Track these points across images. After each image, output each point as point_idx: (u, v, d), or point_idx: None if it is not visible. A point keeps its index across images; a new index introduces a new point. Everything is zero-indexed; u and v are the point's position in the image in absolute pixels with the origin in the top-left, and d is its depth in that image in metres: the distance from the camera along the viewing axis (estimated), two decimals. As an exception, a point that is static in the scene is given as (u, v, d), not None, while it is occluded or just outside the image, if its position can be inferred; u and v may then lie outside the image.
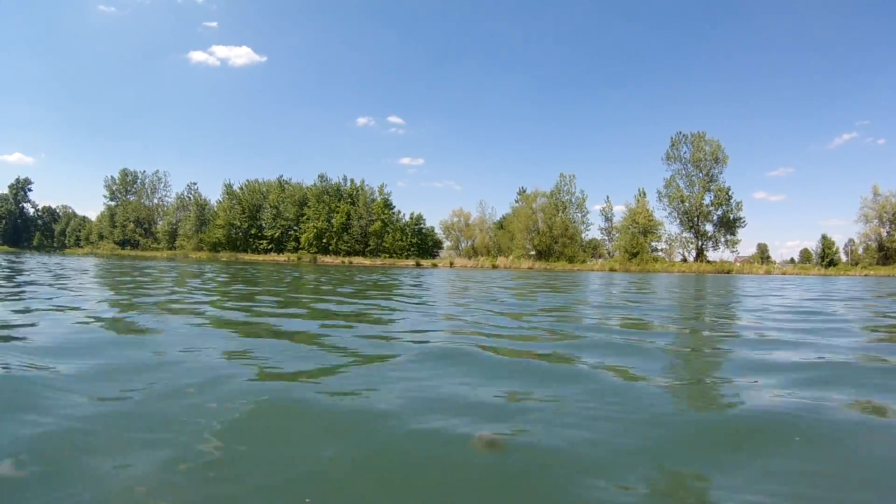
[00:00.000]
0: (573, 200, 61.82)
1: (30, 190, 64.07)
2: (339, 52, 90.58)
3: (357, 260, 54.41)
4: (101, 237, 60.77)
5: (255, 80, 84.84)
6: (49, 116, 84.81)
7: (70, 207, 72.90)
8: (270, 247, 56.58)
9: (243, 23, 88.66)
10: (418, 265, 50.39)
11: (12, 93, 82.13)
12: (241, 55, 79.74)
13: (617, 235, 62.62)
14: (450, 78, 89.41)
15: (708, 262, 56.45)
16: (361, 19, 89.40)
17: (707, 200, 59.58)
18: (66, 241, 66.86)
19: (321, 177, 57.63)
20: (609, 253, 64.23)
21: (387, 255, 56.52)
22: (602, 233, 64.50)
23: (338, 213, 56.73)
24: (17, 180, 62.87)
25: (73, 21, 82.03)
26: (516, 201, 63.23)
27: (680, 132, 56.96)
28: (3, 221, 61.20)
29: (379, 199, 58.39)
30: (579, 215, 61.62)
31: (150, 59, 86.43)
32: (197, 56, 79.50)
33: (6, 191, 60.66)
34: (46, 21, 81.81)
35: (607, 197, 66.88)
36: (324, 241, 56.55)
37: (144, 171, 62.36)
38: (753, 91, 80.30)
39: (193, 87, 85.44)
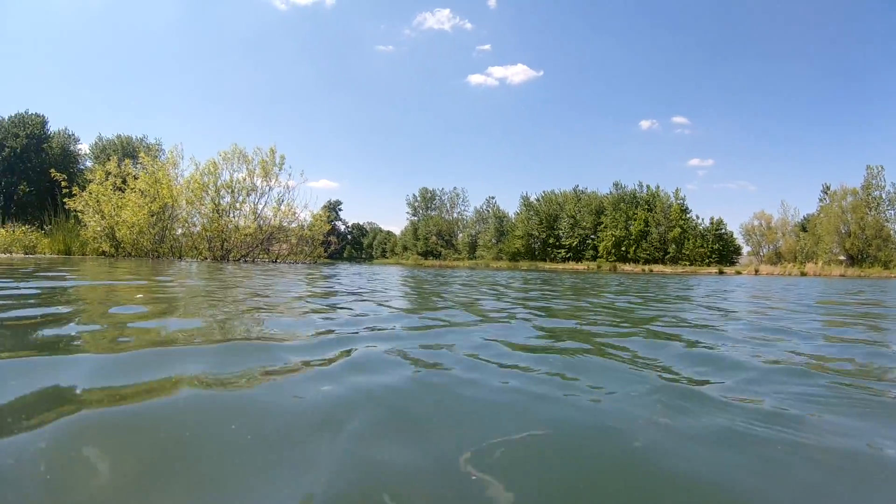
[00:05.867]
0: (884, 196, 55.24)
1: (340, 210, 73.12)
2: (614, 56, 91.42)
3: (657, 268, 52.96)
4: (404, 249, 66.69)
5: (535, 95, 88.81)
6: (350, 146, 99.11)
7: (375, 223, 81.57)
8: (568, 255, 57.26)
9: (515, 42, 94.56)
10: (721, 273, 47.65)
11: (318, 129, 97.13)
12: (517, 72, 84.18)
13: (941, 235, 54.44)
14: (734, 72, 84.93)
15: None
16: (632, 21, 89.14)
17: None
18: (373, 253, 74.82)
19: (616, 184, 57.41)
20: (930, 257, 56.12)
21: (687, 263, 54.50)
22: (922, 233, 56.54)
23: (635, 220, 55.92)
24: (329, 202, 72.27)
25: (359, 62, 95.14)
26: (820, 200, 57.90)
27: None
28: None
29: (675, 204, 56.70)
30: (892, 213, 54.93)
31: (432, 86, 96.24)
32: (475, 79, 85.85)
33: (320, 211, 69.39)
34: (337, 65, 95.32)
35: (925, 190, 58.70)
36: (622, 248, 55.99)
37: (443, 189, 67.52)
38: None
39: (476, 108, 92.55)
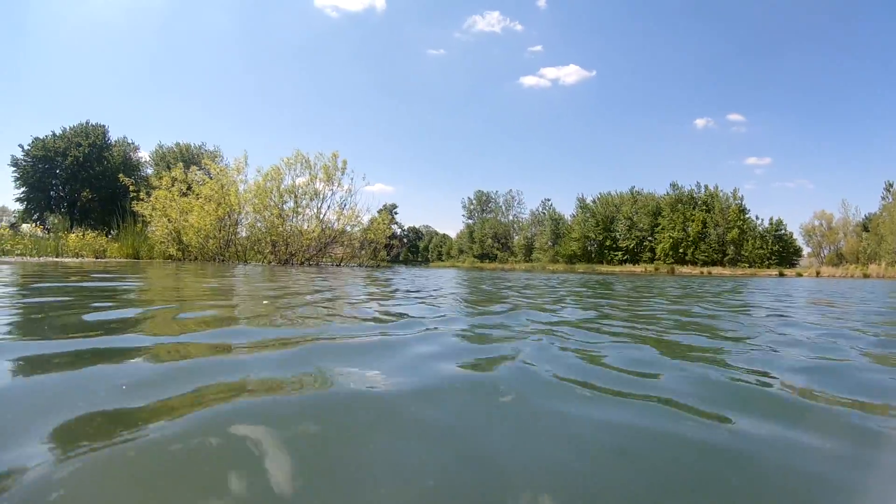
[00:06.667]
0: (949, 194, 54.43)
1: (396, 213, 74.08)
2: (667, 55, 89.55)
3: (716, 270, 53.10)
4: (460, 252, 67.77)
5: (588, 95, 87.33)
6: (404, 150, 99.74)
7: (431, 226, 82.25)
8: (626, 258, 57.65)
9: (567, 42, 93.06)
10: (781, 275, 47.69)
11: (372, 133, 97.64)
12: (569, 73, 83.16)
13: None
14: (789, 67, 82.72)
15: None
16: (684, 19, 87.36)
17: None
18: (430, 256, 75.84)
19: (673, 185, 57.28)
20: None
21: (746, 265, 54.53)
22: None
23: (693, 221, 55.90)
24: (385, 206, 72.84)
25: (411, 67, 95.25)
26: (883, 198, 57.09)
27: None
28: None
29: (733, 204, 56.52)
30: (956, 211, 54.14)
31: (485, 89, 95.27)
32: (528, 80, 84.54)
33: (380, 215, 70.28)
34: (389, 70, 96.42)
35: None
36: (680, 250, 56.15)
37: (497, 191, 67.88)
38: None
39: (530, 110, 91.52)
